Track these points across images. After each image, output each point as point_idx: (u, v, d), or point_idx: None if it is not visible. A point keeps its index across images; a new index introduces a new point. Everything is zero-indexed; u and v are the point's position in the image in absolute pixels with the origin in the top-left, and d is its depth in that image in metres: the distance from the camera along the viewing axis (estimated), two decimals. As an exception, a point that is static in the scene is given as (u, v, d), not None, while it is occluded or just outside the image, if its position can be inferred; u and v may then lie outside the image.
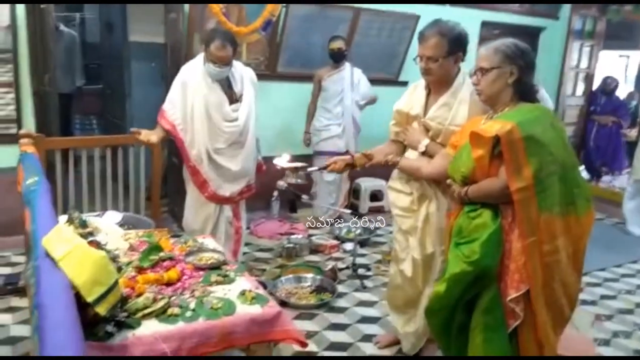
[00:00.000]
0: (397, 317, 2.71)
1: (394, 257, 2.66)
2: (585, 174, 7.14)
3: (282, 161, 2.79)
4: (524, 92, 1.94)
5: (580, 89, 7.01)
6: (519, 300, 1.84)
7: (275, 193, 4.63)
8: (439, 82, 2.37)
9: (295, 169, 2.76)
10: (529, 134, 1.77)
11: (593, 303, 3.58)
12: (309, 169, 2.94)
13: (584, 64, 6.91)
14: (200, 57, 3.01)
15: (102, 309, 1.38)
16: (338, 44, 4.53)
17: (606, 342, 3.04)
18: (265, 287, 3.16)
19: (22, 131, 2.93)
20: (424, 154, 2.38)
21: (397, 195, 2.56)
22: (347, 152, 4.72)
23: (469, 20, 5.58)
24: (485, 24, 5.95)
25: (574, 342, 2.44)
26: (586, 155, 7.04)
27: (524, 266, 1.81)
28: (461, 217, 1.98)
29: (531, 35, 6.37)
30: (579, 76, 6.95)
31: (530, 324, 1.86)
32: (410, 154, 2.48)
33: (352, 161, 2.60)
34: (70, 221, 1.51)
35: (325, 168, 2.65)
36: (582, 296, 3.64)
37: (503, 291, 1.86)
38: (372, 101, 4.79)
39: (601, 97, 6.94)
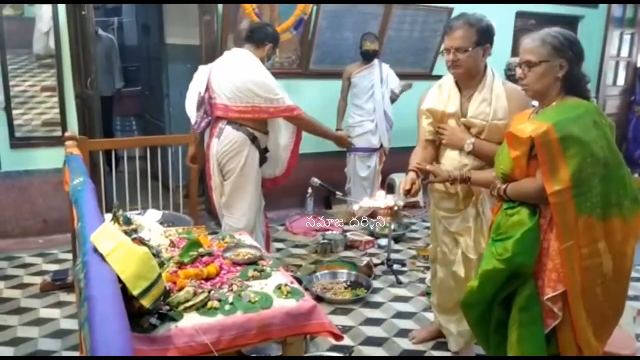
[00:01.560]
0: (448, 319, 2.67)
1: (442, 261, 2.59)
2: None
3: (378, 202, 2.60)
4: (573, 85, 1.84)
5: (622, 78, 6.81)
6: (557, 300, 1.79)
7: (310, 190, 4.71)
8: (467, 76, 2.32)
9: (391, 210, 2.62)
10: (567, 134, 1.70)
11: (636, 298, 3.49)
12: (399, 203, 2.77)
13: (624, 52, 6.71)
14: (254, 56, 3.08)
15: (147, 302, 1.45)
16: (374, 46, 4.52)
17: (650, 338, 2.97)
18: (301, 282, 3.22)
19: (67, 134, 3.04)
20: (470, 153, 2.34)
21: (441, 196, 2.50)
22: (381, 147, 4.73)
23: (503, 11, 5.50)
24: (520, 15, 5.85)
25: (615, 338, 2.38)
26: (627, 147, 6.83)
27: (562, 268, 1.77)
28: (500, 214, 1.95)
29: (569, 24, 6.21)
30: (620, 65, 6.75)
31: (570, 324, 1.81)
32: (451, 155, 2.42)
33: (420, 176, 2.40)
34: (115, 219, 1.58)
35: (408, 193, 2.34)
36: (624, 291, 3.56)
37: (541, 290, 1.82)
38: (407, 87, 4.77)
39: (639, 86, 6.72)
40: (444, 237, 2.54)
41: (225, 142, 3.02)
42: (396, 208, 2.63)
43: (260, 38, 3.14)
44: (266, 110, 3.00)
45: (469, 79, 2.34)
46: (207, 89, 3.10)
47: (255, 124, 3.07)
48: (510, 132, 1.84)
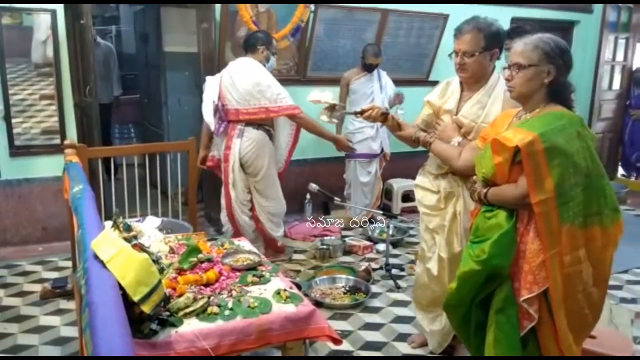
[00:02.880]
0: (423, 316, 2.73)
1: (421, 256, 2.67)
2: (621, 170, 6.96)
3: (323, 96, 2.75)
4: (558, 92, 1.88)
5: (617, 82, 6.85)
6: (533, 302, 1.82)
7: (308, 196, 4.73)
8: (473, 79, 2.36)
9: (332, 107, 2.73)
10: (552, 145, 1.72)
11: (633, 301, 3.51)
12: (345, 112, 3.04)
13: (619, 56, 6.75)
14: (255, 61, 3.45)
15: (147, 308, 1.47)
16: (378, 60, 4.53)
17: (646, 340, 2.99)
18: (299, 288, 3.24)
19: (66, 142, 3.06)
20: None
21: (424, 193, 2.57)
22: (382, 152, 4.76)
23: (499, 16, 5.50)
24: (515, 20, 5.89)
25: (612, 340, 2.40)
26: (622, 150, 6.87)
27: (540, 269, 1.79)
28: (479, 216, 1.98)
29: (564, 29, 6.28)
30: (615, 69, 6.79)
31: (548, 325, 1.84)
32: None
33: (387, 113, 2.51)
34: (115, 226, 1.60)
35: (361, 113, 2.50)
36: (621, 294, 3.59)
37: (517, 291, 1.85)
38: (399, 101, 4.76)
39: (634, 90, 6.76)
40: (424, 234, 2.61)
41: (248, 141, 3.44)
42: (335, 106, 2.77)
43: (252, 44, 3.52)
44: (272, 109, 3.38)
45: (474, 82, 2.38)
46: (219, 97, 3.46)
47: (268, 123, 3.52)
48: (496, 139, 1.85)
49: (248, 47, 3.53)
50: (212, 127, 3.50)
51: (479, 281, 1.88)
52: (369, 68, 4.57)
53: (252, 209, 3.67)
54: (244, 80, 3.37)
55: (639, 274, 3.93)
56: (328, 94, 2.82)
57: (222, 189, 3.64)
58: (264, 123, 3.48)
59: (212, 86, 3.50)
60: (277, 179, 3.68)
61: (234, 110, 3.41)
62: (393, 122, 2.51)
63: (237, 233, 3.62)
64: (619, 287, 3.65)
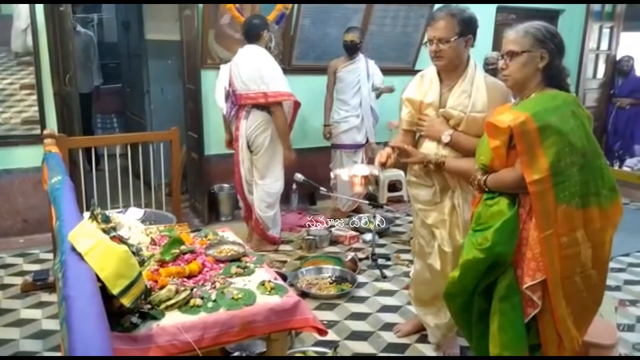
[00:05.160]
0: (425, 312, 2.69)
1: (419, 253, 2.61)
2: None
3: (359, 170, 2.56)
4: (553, 77, 1.88)
5: (601, 71, 6.89)
6: (536, 289, 1.82)
7: (294, 186, 4.70)
8: (449, 67, 2.33)
9: (366, 178, 2.55)
10: (545, 124, 1.72)
11: (617, 288, 3.54)
12: (375, 172, 2.78)
13: (604, 45, 6.78)
14: (260, 48, 3.67)
15: (127, 301, 1.43)
16: (351, 36, 4.49)
17: (630, 328, 3.02)
18: (285, 279, 3.22)
19: (45, 132, 3.00)
20: (447, 144, 2.34)
21: (418, 188, 2.51)
22: (367, 142, 4.73)
23: (484, 6, 5.53)
24: (500, 9, 5.89)
25: (597, 328, 2.42)
26: (606, 139, 6.92)
27: (541, 257, 1.79)
28: (480, 204, 1.97)
29: (549, 18, 6.27)
30: (600, 58, 6.83)
31: (550, 312, 1.84)
32: (429, 145, 2.43)
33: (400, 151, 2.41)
34: (93, 217, 1.56)
35: (384, 165, 2.38)
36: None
37: (520, 279, 1.84)
38: (388, 90, 4.73)
39: (618, 79, 6.81)
40: (420, 230, 2.56)
41: (252, 121, 3.71)
42: (370, 177, 2.64)
43: (255, 33, 3.70)
44: (269, 94, 3.60)
45: (451, 70, 2.34)
46: (230, 84, 3.74)
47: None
48: (490, 122, 1.85)
49: (252, 37, 3.71)
50: (224, 111, 3.82)
51: (482, 269, 1.87)
52: (349, 50, 4.52)
53: None
54: (247, 67, 3.63)
55: (623, 262, 3.97)
56: (362, 167, 2.64)
57: (234, 167, 3.96)
58: (269, 106, 3.69)
59: (224, 74, 3.79)
60: (278, 160, 3.85)
61: (240, 94, 3.69)
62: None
63: (248, 209, 3.99)
64: (604, 285, 3.67)
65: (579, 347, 1.92)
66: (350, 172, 2.51)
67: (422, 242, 2.56)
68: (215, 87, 3.88)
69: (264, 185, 3.85)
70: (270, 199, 3.88)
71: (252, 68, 3.62)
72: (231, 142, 3.97)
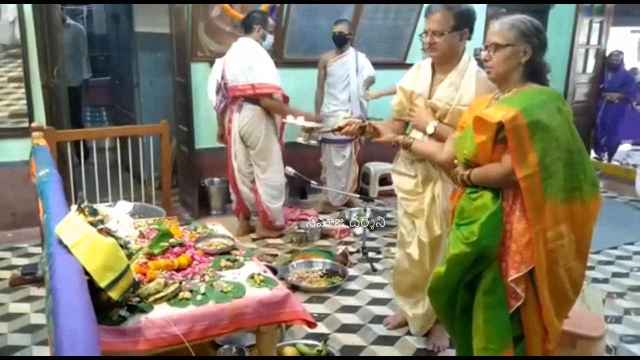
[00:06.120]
0: (405, 301, 2.72)
1: (400, 242, 2.65)
2: (593, 153, 7.07)
3: (298, 121, 2.87)
4: (534, 72, 1.89)
5: (591, 65, 6.92)
6: (520, 281, 1.83)
7: (285, 179, 4.69)
8: (444, 59, 2.34)
9: (311, 129, 2.82)
10: (534, 120, 1.73)
11: (605, 281, 3.58)
12: (323, 130, 3.10)
13: (594, 40, 6.82)
14: (252, 41, 3.69)
15: (114, 294, 1.43)
16: (339, 28, 4.46)
17: (617, 320, 3.05)
18: (276, 272, 3.22)
19: (33, 124, 2.97)
20: (431, 135, 2.36)
21: (402, 178, 2.55)
22: (356, 136, 4.72)
23: (475, -1, 5.54)
24: (491, 3, 5.89)
25: (584, 320, 2.44)
26: (595, 133, 6.96)
27: (526, 248, 1.80)
28: (463, 198, 1.98)
29: (539, 12, 6.28)
30: (590, 53, 6.87)
31: (533, 304, 1.86)
32: (416, 135, 2.46)
33: (365, 125, 2.44)
34: (80, 210, 1.55)
35: (340, 130, 2.47)
36: (593, 274, 3.65)
37: (504, 272, 1.86)
38: (370, 81, 4.71)
39: (608, 73, 6.85)
40: (403, 219, 2.60)
41: (245, 115, 3.72)
42: (309, 129, 2.88)
43: (249, 24, 3.74)
44: (257, 86, 3.61)
45: (445, 62, 2.36)
46: (222, 76, 3.76)
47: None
48: (478, 116, 1.84)
49: (245, 27, 3.74)
50: (214, 104, 3.84)
51: (468, 263, 1.88)
52: (339, 42, 4.49)
53: (253, 182, 3.94)
54: (238, 60, 3.66)
55: (611, 255, 4.01)
56: (301, 119, 2.99)
57: (227, 161, 3.97)
58: (258, 98, 3.70)
59: (218, 67, 3.82)
60: (276, 152, 3.90)
61: (230, 87, 3.72)
62: (371, 130, 2.45)
63: (240, 202, 4.02)
64: (591, 268, 3.71)
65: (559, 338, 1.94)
66: (298, 123, 2.90)
67: (404, 231, 2.60)
68: (208, 80, 3.91)
69: (267, 179, 3.89)
70: (274, 191, 3.94)
71: (243, 61, 3.64)
72: (223, 136, 3.98)
